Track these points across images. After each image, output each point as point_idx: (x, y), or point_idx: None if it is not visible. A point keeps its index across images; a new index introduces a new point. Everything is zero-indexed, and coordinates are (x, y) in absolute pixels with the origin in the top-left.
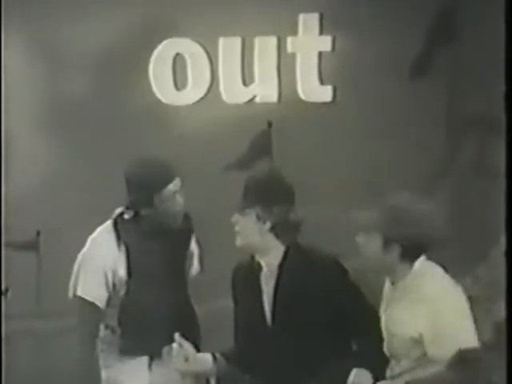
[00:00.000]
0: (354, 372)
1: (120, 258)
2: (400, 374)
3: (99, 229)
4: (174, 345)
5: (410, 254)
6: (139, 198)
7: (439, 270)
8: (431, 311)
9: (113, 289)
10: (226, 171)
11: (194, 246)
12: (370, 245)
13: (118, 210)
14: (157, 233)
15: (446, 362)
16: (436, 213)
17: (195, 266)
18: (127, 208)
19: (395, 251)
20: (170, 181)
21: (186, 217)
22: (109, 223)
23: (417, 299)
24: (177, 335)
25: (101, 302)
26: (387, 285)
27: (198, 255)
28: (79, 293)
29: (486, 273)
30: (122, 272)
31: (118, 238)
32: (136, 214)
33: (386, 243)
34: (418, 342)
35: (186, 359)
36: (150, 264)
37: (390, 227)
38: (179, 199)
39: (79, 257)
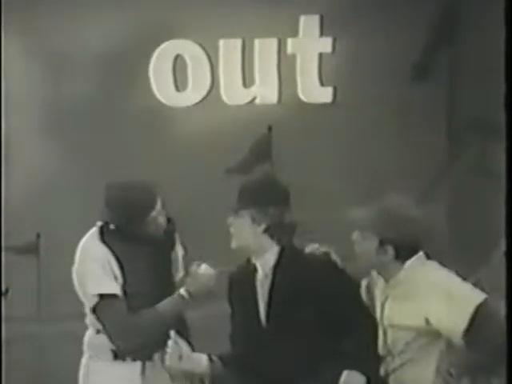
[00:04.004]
0: (346, 373)
1: (112, 261)
2: (394, 370)
3: (85, 238)
4: (170, 342)
5: (403, 255)
6: (122, 223)
7: (430, 264)
8: (430, 293)
9: (115, 279)
10: (226, 173)
11: (178, 249)
12: (365, 244)
13: (100, 223)
14: (142, 240)
15: (463, 332)
16: (430, 215)
17: (180, 270)
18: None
19: (389, 252)
20: (152, 207)
21: (169, 220)
22: (95, 232)
23: (413, 290)
24: (172, 332)
25: (116, 291)
26: (381, 283)
27: (181, 258)
28: (94, 292)
29: (487, 276)
30: (117, 273)
31: (104, 244)
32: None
33: (381, 244)
34: (421, 331)
35: (180, 357)
36: (138, 269)
37: (385, 229)
38: (161, 220)
39: (74, 272)
